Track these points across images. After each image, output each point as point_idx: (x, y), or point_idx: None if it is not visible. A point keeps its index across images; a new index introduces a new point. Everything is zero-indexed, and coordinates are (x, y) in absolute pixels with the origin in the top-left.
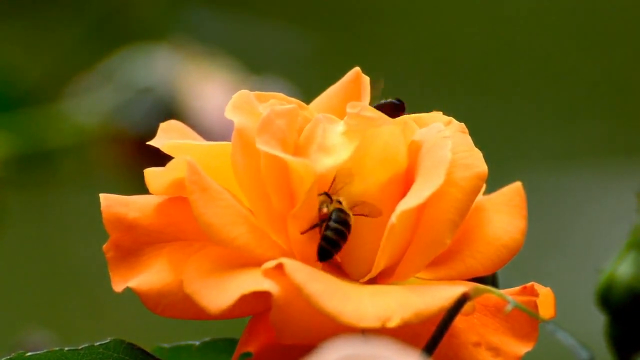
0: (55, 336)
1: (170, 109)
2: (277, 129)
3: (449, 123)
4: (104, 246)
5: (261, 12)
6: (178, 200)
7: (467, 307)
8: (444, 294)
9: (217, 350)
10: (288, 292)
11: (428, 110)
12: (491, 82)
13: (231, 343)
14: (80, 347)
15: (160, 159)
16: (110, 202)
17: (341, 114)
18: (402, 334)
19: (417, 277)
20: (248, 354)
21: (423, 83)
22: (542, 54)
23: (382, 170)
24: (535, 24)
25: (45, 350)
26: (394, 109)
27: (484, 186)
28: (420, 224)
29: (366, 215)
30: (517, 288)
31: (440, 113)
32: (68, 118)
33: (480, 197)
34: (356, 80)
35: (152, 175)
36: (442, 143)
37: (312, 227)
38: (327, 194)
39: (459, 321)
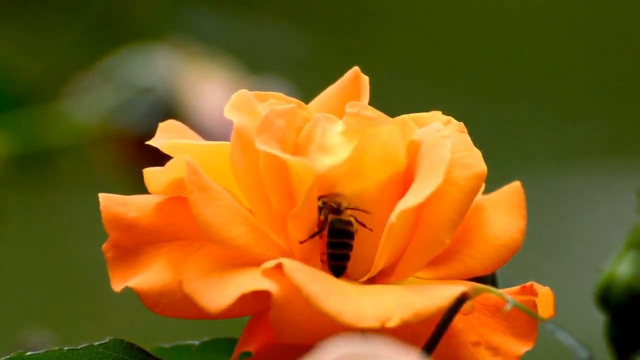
0: (55, 336)
1: (169, 109)
2: (276, 128)
3: (448, 122)
4: (103, 246)
5: (261, 12)
6: (177, 200)
7: (466, 306)
8: (443, 294)
9: (216, 350)
10: (287, 291)
11: (427, 110)
12: (491, 82)
13: (231, 343)
14: (79, 347)
15: (160, 158)
16: (109, 202)
17: (340, 114)
18: (401, 333)
19: (417, 277)
20: (247, 354)
21: (423, 83)
22: (542, 54)
23: (381, 169)
24: (535, 24)
25: (44, 350)
26: None
27: (483, 186)
28: (419, 224)
29: (366, 212)
30: (516, 287)
31: (440, 112)
32: (67, 118)
33: (479, 196)
34: (355, 79)
35: (151, 175)
36: (441, 142)
37: (312, 236)
38: (323, 201)
39: (458, 321)
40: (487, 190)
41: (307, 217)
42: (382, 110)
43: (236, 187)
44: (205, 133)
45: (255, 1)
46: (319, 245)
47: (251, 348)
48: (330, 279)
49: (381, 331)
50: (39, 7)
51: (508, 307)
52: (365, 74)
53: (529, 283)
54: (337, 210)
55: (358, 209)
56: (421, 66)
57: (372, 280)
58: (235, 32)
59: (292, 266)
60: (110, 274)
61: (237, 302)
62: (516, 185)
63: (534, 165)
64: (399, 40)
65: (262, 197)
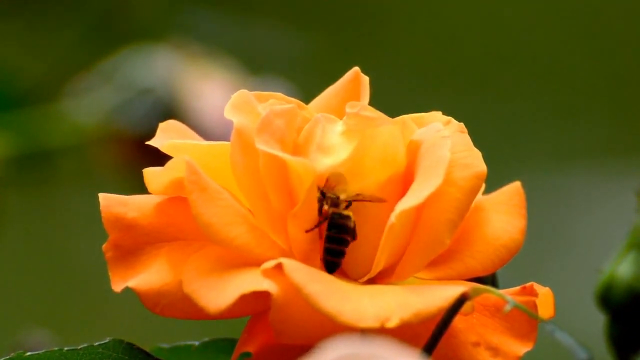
0: (55, 336)
1: (169, 109)
2: (276, 128)
3: (448, 123)
4: (103, 246)
5: (260, 13)
6: (177, 200)
7: (466, 307)
8: (443, 294)
9: (216, 350)
10: (287, 292)
11: (427, 110)
12: (491, 82)
13: (230, 343)
14: (79, 347)
15: (160, 159)
16: (110, 202)
17: (340, 114)
18: (401, 334)
19: (417, 277)
20: (247, 354)
21: (423, 83)
22: (542, 54)
23: (381, 169)
24: (535, 24)
25: (44, 350)
26: None
27: (484, 186)
28: (419, 224)
29: (369, 200)
30: (516, 288)
31: (440, 113)
32: (68, 118)
33: (479, 196)
34: (355, 80)
35: (151, 175)
36: (441, 143)
37: (316, 226)
38: (322, 193)
39: (458, 321)
40: (487, 191)
41: (307, 216)
42: (382, 111)
43: (236, 187)
44: (205, 133)
45: (255, 2)
46: (319, 245)
47: (251, 348)
48: (330, 279)
49: (381, 331)
50: (39, 7)
51: (508, 307)
52: (365, 74)
53: (529, 283)
54: (336, 203)
55: (358, 199)
56: (421, 66)
57: (372, 281)
58: (235, 33)
59: (292, 266)
60: (110, 274)
61: (236, 302)
62: (516, 185)
63: (534, 165)
64: (399, 40)
65: (262, 197)
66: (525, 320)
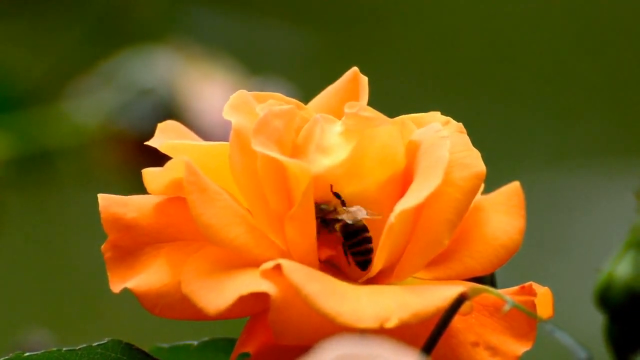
0: (54, 336)
1: (170, 110)
2: (274, 129)
3: (447, 123)
4: (102, 246)
5: (261, 12)
6: (176, 200)
7: (465, 307)
8: (442, 294)
9: (215, 351)
10: (286, 293)
11: (427, 110)
12: (491, 82)
13: (229, 343)
14: (78, 347)
15: (160, 159)
16: (109, 202)
17: (339, 114)
18: (400, 334)
19: (416, 277)
20: (246, 354)
21: (422, 83)
22: (542, 54)
23: (380, 170)
24: (534, 24)
25: (43, 351)
26: None
27: (483, 186)
28: (418, 224)
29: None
30: (515, 288)
31: (438, 113)
32: (68, 119)
33: (478, 196)
34: (354, 80)
35: (150, 175)
36: (440, 143)
37: (331, 224)
38: (321, 208)
39: (457, 321)
40: (487, 191)
41: (305, 218)
42: (381, 111)
43: (235, 188)
44: (205, 134)
45: (256, 2)
46: (318, 245)
47: (250, 349)
48: (329, 279)
49: (380, 332)
50: (40, 8)
51: (507, 307)
52: (365, 74)
53: (528, 283)
54: (335, 212)
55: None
56: (421, 66)
57: (371, 281)
58: (235, 33)
59: (290, 267)
60: (109, 274)
61: (236, 303)
62: (515, 185)
63: (534, 165)
64: (399, 40)
65: (261, 198)
66: (524, 320)
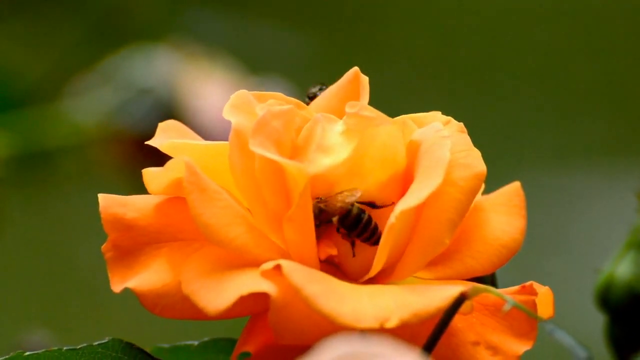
0: (54, 336)
1: (169, 109)
2: (273, 130)
3: (447, 123)
4: (103, 246)
5: (261, 13)
6: (176, 200)
7: (465, 306)
8: (442, 294)
9: (215, 350)
10: (286, 293)
11: (427, 110)
12: (491, 82)
13: (230, 343)
14: (78, 347)
15: (160, 158)
16: (109, 203)
17: (340, 114)
18: (400, 334)
19: (416, 277)
20: (247, 354)
21: (422, 83)
22: (542, 54)
23: (381, 169)
24: (535, 23)
25: (43, 350)
26: None
27: (483, 186)
28: (419, 224)
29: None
30: (515, 287)
31: (439, 113)
32: (68, 118)
33: (479, 197)
34: (355, 80)
35: (151, 175)
36: (441, 143)
37: (329, 221)
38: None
39: (457, 320)
40: (487, 190)
41: (303, 219)
42: (381, 110)
43: (235, 187)
44: (205, 133)
45: (255, 2)
46: (317, 245)
47: (250, 348)
48: (329, 279)
49: (380, 331)
50: (40, 8)
51: (507, 307)
52: (365, 74)
53: (528, 283)
54: (328, 207)
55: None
56: (421, 66)
57: (372, 280)
58: (235, 33)
59: (290, 267)
60: (109, 274)
61: (236, 303)
62: (516, 185)
63: (534, 165)
64: (399, 40)
65: (260, 198)
66: (524, 320)
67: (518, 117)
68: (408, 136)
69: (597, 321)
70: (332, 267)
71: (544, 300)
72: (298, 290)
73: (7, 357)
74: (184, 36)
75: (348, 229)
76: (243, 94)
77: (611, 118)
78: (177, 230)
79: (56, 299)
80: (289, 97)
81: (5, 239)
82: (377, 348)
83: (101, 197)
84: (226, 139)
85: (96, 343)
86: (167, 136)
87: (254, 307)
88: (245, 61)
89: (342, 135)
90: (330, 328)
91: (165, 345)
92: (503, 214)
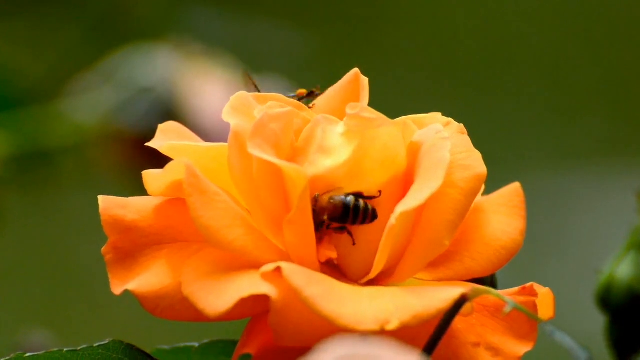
0: (54, 337)
1: (169, 109)
2: (271, 132)
3: (447, 124)
4: (103, 248)
5: (261, 12)
6: (177, 202)
7: (465, 308)
8: (443, 296)
9: (216, 352)
10: (286, 295)
11: (427, 111)
12: (491, 82)
13: (230, 344)
14: (79, 348)
15: (160, 159)
16: (109, 204)
17: (340, 115)
18: (401, 335)
19: (416, 278)
20: (247, 356)
21: (422, 83)
22: (542, 53)
23: (382, 171)
24: (535, 23)
25: (44, 351)
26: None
27: (483, 187)
28: (419, 225)
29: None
30: (516, 288)
31: (439, 114)
32: (67, 117)
33: (479, 197)
34: (355, 81)
35: (150, 177)
36: (441, 144)
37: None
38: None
39: (458, 321)
40: (487, 191)
41: (303, 222)
42: (382, 111)
43: (235, 189)
44: (204, 133)
45: (256, 1)
46: (317, 247)
47: (251, 350)
48: (329, 281)
49: (381, 334)
50: (39, 7)
51: (507, 308)
52: (365, 74)
53: (529, 284)
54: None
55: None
56: (421, 67)
57: (372, 282)
58: (235, 32)
59: (290, 269)
60: (109, 276)
61: (236, 305)
62: (516, 186)
63: (534, 165)
64: (399, 40)
65: (259, 200)
66: (525, 321)
67: (518, 117)
68: (408, 137)
69: (597, 322)
70: (332, 268)
71: (544, 301)
72: (298, 292)
73: (7, 358)
74: (183, 35)
75: (341, 219)
76: (243, 96)
77: (611, 118)
78: (177, 232)
79: (56, 299)
80: (288, 99)
81: (5, 239)
82: (377, 350)
83: (101, 198)
84: (226, 138)
85: (97, 344)
86: (166, 138)
87: (254, 309)
88: (245, 60)
89: (342, 136)
90: (330, 330)
91: (166, 347)
92: (503, 215)
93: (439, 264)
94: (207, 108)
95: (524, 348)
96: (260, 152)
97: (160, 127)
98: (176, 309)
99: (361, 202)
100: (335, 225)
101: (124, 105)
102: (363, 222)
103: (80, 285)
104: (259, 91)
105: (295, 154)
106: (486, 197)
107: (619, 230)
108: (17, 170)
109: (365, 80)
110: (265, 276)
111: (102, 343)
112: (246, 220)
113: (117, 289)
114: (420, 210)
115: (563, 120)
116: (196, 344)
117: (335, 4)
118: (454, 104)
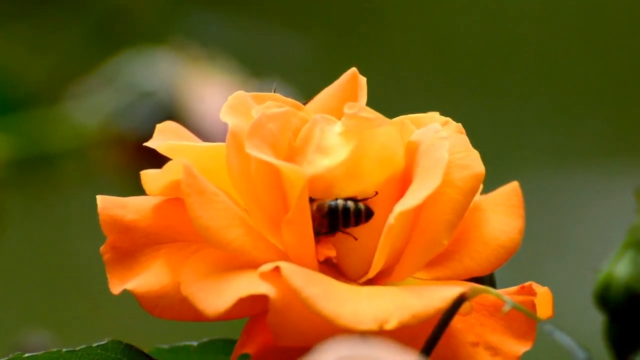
0: (53, 337)
1: (171, 112)
2: (268, 132)
3: (446, 123)
4: (101, 248)
5: (262, 15)
6: (175, 201)
7: (464, 307)
8: (442, 295)
9: (215, 351)
10: (285, 295)
11: (426, 111)
12: (490, 82)
13: (229, 344)
14: (78, 348)
15: (161, 161)
16: (107, 204)
17: (338, 115)
18: (400, 335)
19: (415, 278)
20: (246, 356)
21: (422, 83)
22: (542, 53)
23: (380, 170)
24: (535, 23)
25: (43, 351)
26: None
27: (482, 186)
28: (417, 225)
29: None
30: (515, 288)
31: (438, 113)
32: (69, 120)
33: (477, 197)
34: (353, 80)
35: (149, 177)
36: (440, 144)
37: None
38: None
39: (457, 321)
40: (485, 190)
41: (301, 222)
42: (380, 111)
43: (233, 189)
44: (206, 136)
45: (257, 5)
46: (316, 246)
47: (250, 350)
48: (328, 281)
49: (379, 333)
50: (41, 10)
51: (506, 307)
52: (365, 75)
53: (527, 283)
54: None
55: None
56: (420, 67)
57: (370, 281)
58: (236, 36)
59: (289, 269)
60: (108, 276)
61: (235, 305)
62: (514, 185)
63: (533, 165)
64: (399, 41)
65: (258, 200)
66: (524, 320)
67: (517, 117)
68: (406, 137)
69: (596, 321)
70: (330, 268)
71: (543, 300)
72: (297, 292)
73: (6, 358)
74: (185, 39)
75: (331, 224)
76: (241, 96)
77: (611, 118)
78: (176, 231)
79: (56, 300)
80: (287, 99)
81: (5, 240)
82: (376, 350)
83: (99, 198)
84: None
85: (95, 344)
86: (164, 138)
87: (253, 308)
88: (247, 64)
89: (340, 136)
90: (329, 330)
91: (165, 346)
92: (501, 214)
93: (437, 263)
94: (209, 111)
95: (522, 347)
96: (257, 152)
97: (159, 127)
98: (175, 309)
99: (350, 203)
100: (325, 230)
101: (125, 108)
102: (357, 223)
103: (80, 286)
104: None
105: (293, 154)
106: (484, 197)
107: (618, 230)
108: (19, 173)
109: (363, 80)
110: (264, 276)
111: (101, 343)
112: (245, 220)
113: (115, 289)
114: (418, 210)
115: (563, 120)
116: (195, 343)
117: (337, 8)
118: (452, 103)
